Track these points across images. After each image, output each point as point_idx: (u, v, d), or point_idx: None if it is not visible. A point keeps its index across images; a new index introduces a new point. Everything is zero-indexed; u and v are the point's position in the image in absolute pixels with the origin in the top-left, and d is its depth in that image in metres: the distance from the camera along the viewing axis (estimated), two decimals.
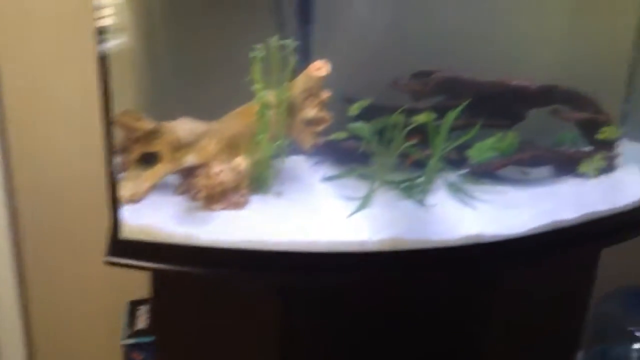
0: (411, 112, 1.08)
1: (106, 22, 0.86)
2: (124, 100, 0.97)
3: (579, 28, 1.16)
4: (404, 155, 1.09)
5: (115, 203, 0.93)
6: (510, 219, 1.02)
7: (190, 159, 1.00)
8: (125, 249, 0.94)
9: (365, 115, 1.10)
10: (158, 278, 1.01)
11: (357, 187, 1.07)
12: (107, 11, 0.86)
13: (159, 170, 0.99)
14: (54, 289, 1.45)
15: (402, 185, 1.07)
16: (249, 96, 1.00)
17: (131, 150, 0.99)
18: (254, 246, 0.95)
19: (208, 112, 1.02)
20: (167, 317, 1.05)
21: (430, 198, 1.05)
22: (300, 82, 1.03)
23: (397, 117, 1.06)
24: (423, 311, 1.08)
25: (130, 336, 1.35)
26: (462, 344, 1.13)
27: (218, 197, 0.98)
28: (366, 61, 1.08)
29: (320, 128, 1.05)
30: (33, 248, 1.40)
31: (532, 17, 1.17)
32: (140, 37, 1.04)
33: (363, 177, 1.09)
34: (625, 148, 1.17)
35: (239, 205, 1.00)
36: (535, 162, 1.13)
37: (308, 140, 1.07)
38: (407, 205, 1.04)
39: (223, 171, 0.97)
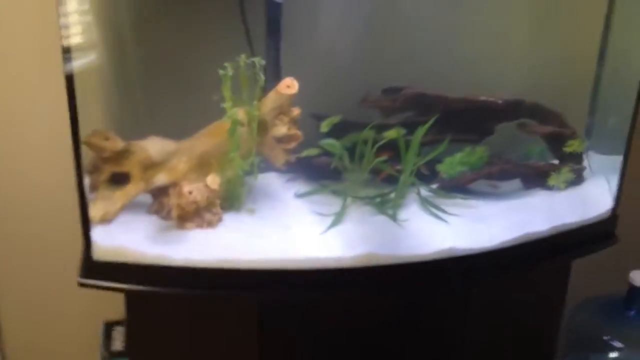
0: (381, 128, 1.10)
1: (73, 40, 0.85)
2: (94, 119, 0.97)
3: (543, 43, 1.18)
4: (375, 171, 1.10)
5: (86, 224, 0.93)
6: (482, 232, 1.04)
7: (161, 178, 0.99)
8: (98, 270, 0.94)
9: (337, 131, 1.11)
10: (132, 299, 1.00)
11: (330, 203, 1.07)
12: (74, 30, 0.86)
13: (130, 190, 0.98)
14: (28, 310, 1.42)
15: (375, 201, 1.08)
16: (219, 114, 1.01)
17: (101, 171, 0.98)
18: (228, 264, 0.94)
19: (178, 130, 1.02)
20: (142, 338, 1.04)
21: (403, 213, 1.06)
22: (270, 100, 1.03)
23: (367, 133, 1.07)
24: (398, 325, 1.08)
25: (106, 358, 1.34)
26: (438, 356, 1.13)
27: (190, 216, 0.98)
28: (335, 78, 1.10)
29: (292, 145, 1.06)
30: (5, 269, 1.38)
31: (498, 32, 1.19)
32: (109, 56, 1.04)
33: (336, 193, 1.10)
34: (592, 160, 1.19)
35: (212, 223, 0.99)
36: (505, 175, 1.15)
37: (280, 157, 1.07)
38: (380, 220, 1.05)
39: (195, 190, 0.97)
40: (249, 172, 1.05)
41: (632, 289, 1.29)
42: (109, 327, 1.40)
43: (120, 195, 0.98)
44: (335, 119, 1.12)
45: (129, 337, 1.11)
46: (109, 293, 0.96)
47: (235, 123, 1.00)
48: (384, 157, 1.08)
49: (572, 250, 1.10)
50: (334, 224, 1.02)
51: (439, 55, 1.15)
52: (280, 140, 1.05)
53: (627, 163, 1.11)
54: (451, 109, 1.13)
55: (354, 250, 0.97)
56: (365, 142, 1.07)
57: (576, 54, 1.20)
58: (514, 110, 1.14)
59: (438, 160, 1.13)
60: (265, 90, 1.03)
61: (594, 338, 1.35)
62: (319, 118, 1.13)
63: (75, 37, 0.87)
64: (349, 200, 1.06)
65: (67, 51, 0.84)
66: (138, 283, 0.94)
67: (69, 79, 0.85)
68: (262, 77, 1.00)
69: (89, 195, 0.95)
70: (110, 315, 1.37)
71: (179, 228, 0.98)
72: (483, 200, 1.12)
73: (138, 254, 0.93)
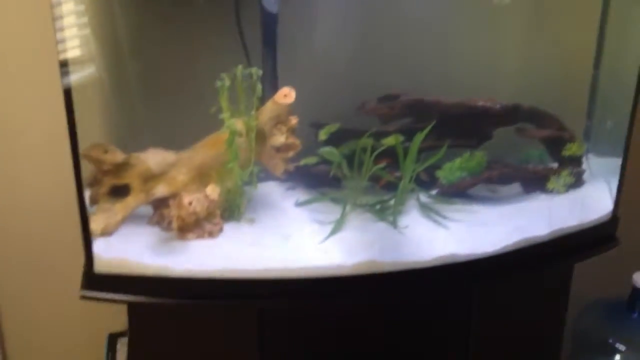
0: (380, 135, 1.10)
1: (70, 54, 0.86)
2: (93, 132, 0.98)
3: (539, 47, 1.19)
4: (375, 178, 1.10)
5: (87, 237, 0.93)
6: (482, 237, 1.04)
7: (161, 190, 1.00)
8: (100, 282, 0.94)
9: (335, 139, 1.12)
10: (134, 310, 1.00)
11: (330, 211, 1.07)
12: (71, 43, 0.87)
13: (130, 202, 0.99)
14: (31, 323, 1.43)
15: (375, 208, 1.08)
16: (218, 125, 1.01)
17: (101, 183, 0.99)
18: (229, 274, 0.94)
19: (177, 141, 1.03)
20: (145, 348, 1.04)
21: (403, 219, 1.06)
22: (268, 110, 1.04)
23: (365, 141, 1.07)
24: (400, 332, 1.08)
25: None
26: None
27: (191, 227, 0.98)
28: (333, 86, 1.10)
29: (291, 154, 1.06)
30: (7, 283, 1.39)
31: (495, 38, 1.19)
32: (106, 69, 1.04)
33: (335, 201, 1.10)
34: (591, 163, 1.19)
35: (212, 234, 1.00)
36: (504, 180, 1.15)
37: (279, 166, 1.08)
38: (380, 227, 1.05)
39: (195, 200, 0.97)
40: (249, 182, 1.05)
41: (636, 291, 1.29)
42: (113, 338, 1.40)
43: (120, 208, 0.98)
44: (333, 127, 1.12)
45: (132, 348, 1.10)
46: (113, 304, 0.96)
47: (234, 133, 1.01)
48: (382, 164, 1.09)
49: (573, 253, 1.10)
50: (334, 231, 1.02)
51: (436, 61, 1.16)
52: (279, 149, 1.06)
53: (627, 165, 1.11)
54: (449, 115, 1.13)
55: (355, 258, 0.97)
56: (363, 149, 1.08)
57: (573, 57, 1.20)
58: (511, 114, 1.14)
59: (437, 166, 1.13)
60: (263, 100, 1.04)
61: (598, 341, 1.34)
62: (317, 126, 1.13)
63: (72, 50, 0.88)
64: (348, 207, 1.07)
65: (64, 65, 0.85)
66: (140, 294, 0.95)
67: (67, 93, 0.85)
68: (259, 87, 1.01)
69: (89, 208, 0.96)
70: (114, 326, 1.37)
71: (179, 239, 0.98)
72: (483, 205, 1.12)
73: (139, 265, 0.93)
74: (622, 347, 1.29)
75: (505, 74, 1.19)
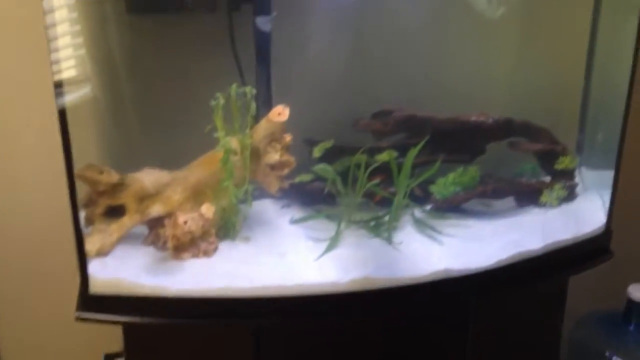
0: (373, 151, 1.11)
1: (65, 75, 0.86)
2: (89, 153, 0.98)
3: (533, 61, 1.20)
4: (369, 194, 1.11)
5: (83, 258, 0.93)
6: (477, 251, 1.04)
7: (156, 209, 1.00)
8: (96, 303, 0.94)
9: (329, 156, 1.12)
10: (130, 331, 1.00)
11: (325, 228, 1.07)
12: (66, 64, 0.87)
13: (126, 223, 0.99)
14: (28, 346, 1.42)
15: (369, 224, 1.08)
16: (212, 144, 1.01)
17: (97, 204, 0.99)
18: (225, 293, 0.94)
19: (172, 161, 1.03)
20: None
21: (398, 235, 1.06)
22: (262, 128, 1.04)
23: (359, 157, 1.08)
24: (397, 348, 1.08)
25: None
26: None
27: (186, 246, 0.98)
28: (326, 103, 1.11)
29: (285, 172, 1.06)
30: (3, 305, 1.38)
31: (487, 52, 1.20)
32: (101, 89, 1.05)
33: (330, 218, 1.10)
34: (584, 176, 1.20)
35: (207, 253, 1.00)
36: (498, 194, 1.16)
37: (274, 184, 1.08)
38: (375, 243, 1.05)
39: (190, 219, 0.97)
40: (244, 200, 1.06)
41: (631, 303, 1.29)
42: (109, 359, 1.39)
43: (116, 228, 0.98)
44: (327, 144, 1.13)
45: None
46: (109, 325, 0.96)
47: (228, 152, 1.01)
48: (377, 181, 1.09)
49: (567, 267, 1.10)
50: (329, 248, 1.02)
51: (429, 77, 1.17)
52: (274, 167, 1.06)
53: (619, 177, 1.12)
54: (442, 130, 1.14)
55: (350, 275, 0.97)
56: (358, 166, 1.08)
57: (564, 71, 1.21)
58: (504, 129, 1.15)
59: (431, 181, 1.13)
60: (257, 118, 1.04)
61: (594, 353, 1.35)
62: (312, 143, 1.14)
63: (67, 71, 0.88)
64: (343, 224, 1.07)
65: (59, 85, 0.85)
66: (136, 315, 0.94)
67: (62, 114, 0.86)
68: (253, 105, 1.01)
69: (85, 229, 0.96)
70: (110, 347, 1.37)
71: (175, 258, 0.98)
72: (477, 220, 1.12)
73: (135, 285, 0.93)
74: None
75: (497, 88, 1.20)
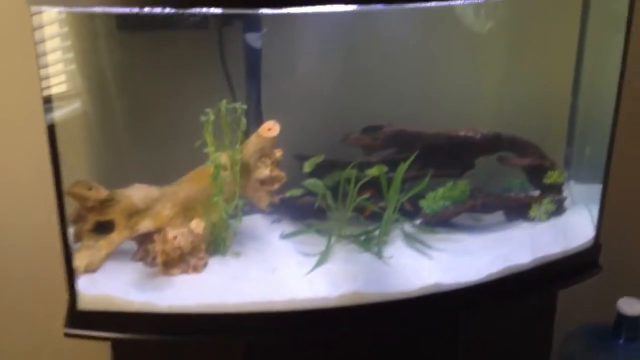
0: (363, 166, 1.11)
1: (54, 90, 0.86)
2: (77, 168, 0.98)
3: (521, 77, 1.21)
4: (359, 209, 1.11)
5: (71, 274, 0.92)
6: (467, 265, 1.04)
7: (145, 225, 1.00)
8: (84, 319, 0.93)
9: (320, 171, 1.13)
10: (119, 347, 0.99)
11: (316, 243, 1.07)
12: (55, 80, 0.87)
13: (115, 238, 0.99)
14: None
15: (360, 239, 1.08)
16: (202, 159, 1.02)
17: (85, 220, 0.98)
18: (214, 309, 0.94)
19: (162, 176, 1.03)
20: None
21: (388, 250, 1.07)
22: (252, 143, 1.05)
23: (349, 172, 1.08)
24: None
25: None
26: None
27: (176, 262, 0.98)
28: (316, 118, 1.11)
29: (275, 187, 1.07)
30: None
31: (478, 69, 1.21)
32: (90, 105, 1.05)
33: (321, 232, 1.10)
34: (573, 190, 1.21)
35: (197, 268, 1.00)
36: (487, 208, 1.16)
37: (264, 199, 1.08)
38: (366, 258, 1.05)
39: (179, 235, 0.97)
40: (234, 215, 1.06)
41: (620, 317, 1.29)
42: None
43: (104, 244, 0.98)
44: (317, 159, 1.13)
45: None
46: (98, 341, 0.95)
47: (218, 167, 1.01)
48: (367, 195, 1.09)
49: (557, 280, 1.10)
50: (319, 263, 1.02)
51: (419, 92, 1.17)
52: (264, 182, 1.06)
53: (607, 191, 1.13)
54: (431, 145, 1.15)
55: (340, 290, 0.97)
56: (348, 180, 1.08)
57: (551, 87, 1.22)
58: (492, 143, 1.16)
59: (421, 195, 1.14)
60: (247, 133, 1.04)
61: None
62: (302, 158, 1.14)
63: (56, 87, 0.88)
64: (333, 239, 1.07)
65: (48, 101, 0.85)
66: (124, 331, 0.94)
67: (51, 129, 0.86)
68: (243, 121, 1.01)
69: (73, 244, 0.96)
70: None
71: (164, 274, 0.98)
72: (467, 234, 1.13)
73: (124, 302, 0.93)
74: None
75: (486, 103, 1.20)
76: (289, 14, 0.93)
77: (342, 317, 0.98)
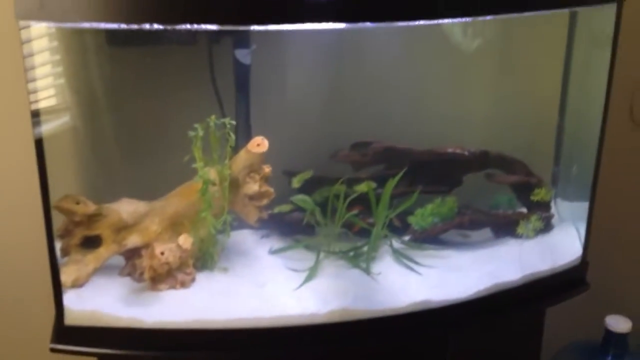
0: (352, 182, 1.11)
1: (42, 105, 0.86)
2: (65, 183, 0.97)
3: (508, 96, 1.22)
4: (348, 225, 1.11)
5: (58, 289, 0.92)
6: (455, 282, 1.04)
7: (133, 240, 0.99)
8: (71, 334, 0.93)
9: (308, 187, 1.13)
10: None
11: (304, 258, 1.07)
12: (43, 94, 0.87)
13: (102, 253, 0.98)
14: None
15: (348, 255, 1.08)
16: (190, 174, 1.02)
17: (73, 234, 0.98)
18: (202, 325, 0.94)
19: (150, 191, 1.03)
20: None
21: (376, 266, 1.07)
22: (241, 159, 1.05)
23: (338, 188, 1.08)
24: None
25: None
26: None
27: (163, 277, 0.98)
28: (305, 134, 1.12)
29: (264, 202, 1.06)
30: None
31: (466, 88, 1.22)
32: (79, 119, 1.05)
33: (309, 248, 1.10)
34: (560, 208, 1.22)
35: (185, 284, 0.99)
36: (475, 225, 1.17)
37: (253, 214, 1.08)
38: (354, 274, 1.05)
39: (167, 250, 0.97)
40: (222, 231, 1.05)
41: (608, 334, 1.30)
42: None
43: (92, 259, 0.97)
44: (306, 174, 1.13)
45: None
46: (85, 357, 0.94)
47: (207, 183, 1.01)
48: (355, 211, 1.10)
49: (544, 298, 1.11)
50: (308, 279, 1.02)
51: (407, 109, 1.18)
52: (253, 197, 1.06)
53: (594, 209, 1.14)
54: (420, 162, 1.15)
55: (329, 306, 0.97)
56: (336, 196, 1.09)
57: (538, 107, 1.23)
58: (480, 161, 1.16)
59: (409, 212, 1.14)
60: (236, 149, 1.05)
61: None
62: (291, 174, 1.14)
63: (44, 101, 0.88)
64: (322, 255, 1.07)
65: (36, 115, 0.85)
66: (112, 347, 0.93)
67: (39, 143, 0.85)
68: (232, 136, 1.02)
69: (60, 259, 0.95)
70: None
71: (152, 289, 0.97)
72: (455, 251, 1.13)
73: (111, 317, 0.92)
74: None
75: (474, 122, 1.21)
76: (278, 31, 0.93)
77: (331, 333, 0.97)
